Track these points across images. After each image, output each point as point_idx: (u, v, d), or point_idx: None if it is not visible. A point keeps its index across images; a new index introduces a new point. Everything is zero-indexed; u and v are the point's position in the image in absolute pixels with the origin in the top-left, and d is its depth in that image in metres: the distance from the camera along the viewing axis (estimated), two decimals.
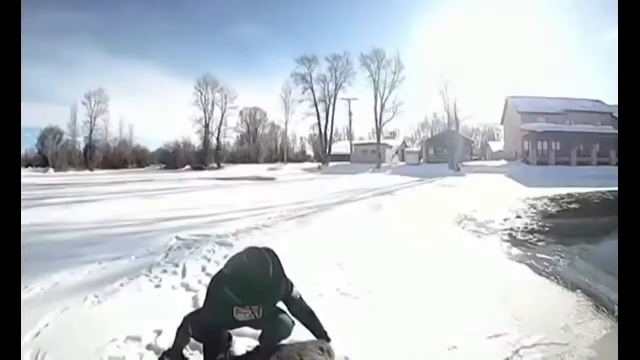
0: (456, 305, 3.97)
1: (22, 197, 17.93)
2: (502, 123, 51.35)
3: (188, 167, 57.54)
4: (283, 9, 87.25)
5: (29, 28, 68.51)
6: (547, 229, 8.71)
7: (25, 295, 4.61)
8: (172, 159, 60.40)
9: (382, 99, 50.94)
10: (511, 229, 8.45)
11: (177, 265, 5.65)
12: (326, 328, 2.86)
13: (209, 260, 5.82)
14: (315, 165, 54.09)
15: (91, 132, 61.09)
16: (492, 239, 7.50)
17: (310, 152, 77.33)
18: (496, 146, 60.22)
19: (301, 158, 72.11)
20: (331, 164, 50.69)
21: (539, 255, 6.12)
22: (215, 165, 57.62)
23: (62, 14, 79.02)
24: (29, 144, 63.86)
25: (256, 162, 64.13)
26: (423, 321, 3.60)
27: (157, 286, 4.81)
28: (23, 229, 9.03)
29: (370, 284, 4.64)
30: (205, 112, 61.36)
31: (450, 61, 44.25)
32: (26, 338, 3.43)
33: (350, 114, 53.24)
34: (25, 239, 7.95)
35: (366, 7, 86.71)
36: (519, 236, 7.70)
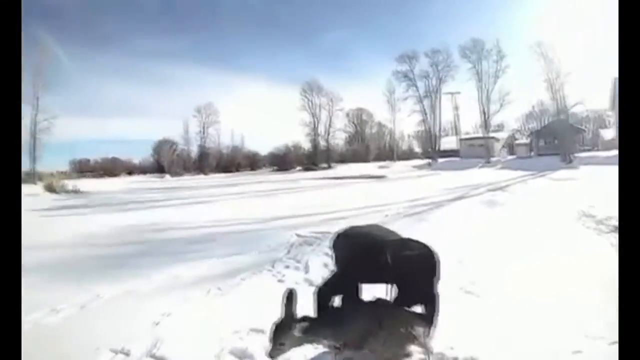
0: (576, 307, 3.72)
1: (143, 199, 19.90)
2: (611, 108, 45.36)
3: (299, 168, 59.29)
4: (372, 11, 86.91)
5: (138, 52, 77.95)
6: None
7: (146, 287, 4.86)
8: (283, 161, 62.68)
9: (486, 90, 48.94)
10: None
11: (299, 261, 5.68)
12: (450, 326, 2.97)
13: (331, 257, 5.65)
14: (424, 161, 53.01)
15: (203, 140, 66.23)
16: (612, 237, 6.55)
17: (417, 148, 75.95)
18: (608, 134, 53.91)
19: (409, 155, 70.92)
20: (440, 160, 49.10)
21: None
22: (326, 165, 58.73)
23: (168, 38, 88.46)
24: (143, 154, 71.10)
25: (365, 160, 64.37)
26: (544, 321, 3.42)
27: (280, 281, 4.80)
28: (144, 227, 9.86)
29: (492, 283, 4.45)
30: (312, 115, 64.24)
31: (553, 44, 40.88)
32: (145, 325, 3.52)
33: (456, 108, 52.26)
34: (145, 236, 8.75)
35: None
36: None
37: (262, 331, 3.24)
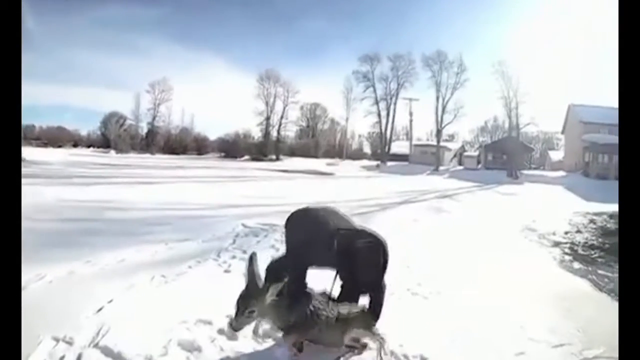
0: (520, 313, 4.01)
1: (86, 174, 19.11)
2: (562, 132, 48.34)
3: (247, 157, 58.49)
4: (347, 7, 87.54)
5: (105, 20, 74.25)
6: (607, 245, 8.45)
7: (89, 269, 4.68)
8: (231, 148, 61.70)
9: (443, 100, 49.94)
10: (572, 243, 8.36)
11: (244, 252, 5.60)
12: (399, 325, 3.16)
13: (277, 250, 5.68)
14: (373, 163, 54.06)
15: (154, 118, 64.15)
16: (554, 251, 7.38)
17: (367, 149, 77.28)
18: (555, 155, 57.51)
19: (359, 155, 71.93)
20: (389, 163, 50.16)
21: (599, 271, 6.14)
22: (274, 157, 58.35)
23: (139, 9, 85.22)
24: (91, 127, 67.88)
25: (314, 156, 64.42)
26: (489, 325, 3.65)
27: (226, 271, 4.79)
28: (88, 204, 9.51)
29: (438, 286, 4.67)
30: (267, 104, 62.86)
31: (514, 64, 43.12)
32: (88, 312, 3.37)
33: (411, 114, 52.86)
34: (90, 214, 8.44)
35: (430, 7, 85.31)
36: (580, 250, 7.62)
37: (209, 322, 3.25)
